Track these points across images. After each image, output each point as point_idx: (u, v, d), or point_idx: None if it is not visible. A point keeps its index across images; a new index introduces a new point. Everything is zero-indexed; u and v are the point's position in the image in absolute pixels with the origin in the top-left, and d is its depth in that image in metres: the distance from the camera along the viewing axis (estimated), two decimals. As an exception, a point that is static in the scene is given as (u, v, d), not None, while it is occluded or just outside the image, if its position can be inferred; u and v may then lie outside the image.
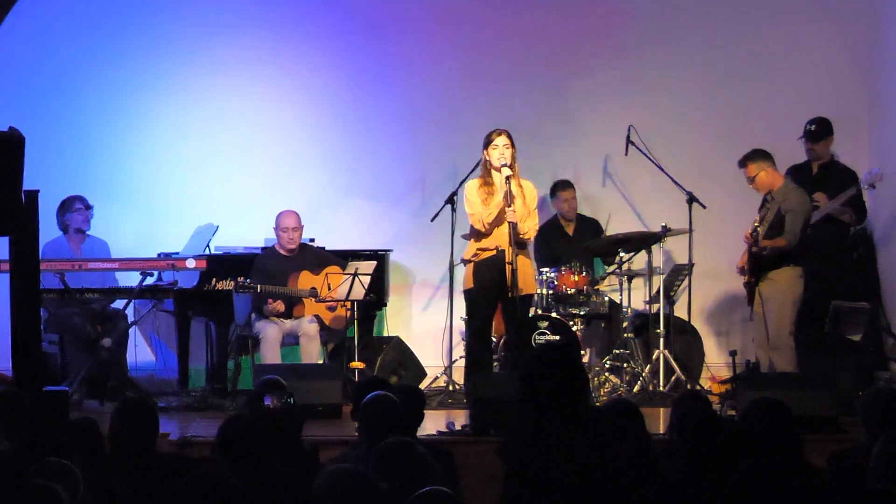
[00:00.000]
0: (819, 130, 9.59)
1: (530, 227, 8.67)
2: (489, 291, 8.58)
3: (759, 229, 8.69)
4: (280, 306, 9.15)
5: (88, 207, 9.53)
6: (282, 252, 9.41)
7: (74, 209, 9.47)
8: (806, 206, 8.93)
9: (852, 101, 10.39)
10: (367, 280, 9.09)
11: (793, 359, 8.81)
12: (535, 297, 9.38)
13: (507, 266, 8.44)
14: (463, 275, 8.84)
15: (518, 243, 8.52)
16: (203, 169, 10.36)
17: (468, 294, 8.78)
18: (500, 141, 8.55)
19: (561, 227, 10.12)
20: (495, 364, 9.10)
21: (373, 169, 10.51)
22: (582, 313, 9.54)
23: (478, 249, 8.64)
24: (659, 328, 9.41)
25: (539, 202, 10.15)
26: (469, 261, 8.71)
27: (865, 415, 5.21)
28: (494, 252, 8.56)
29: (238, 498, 4.22)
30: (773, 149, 9.14)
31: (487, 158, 8.61)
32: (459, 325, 9.63)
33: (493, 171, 8.60)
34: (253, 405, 5.99)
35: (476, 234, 8.66)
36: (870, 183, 9.49)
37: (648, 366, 9.39)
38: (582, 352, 9.36)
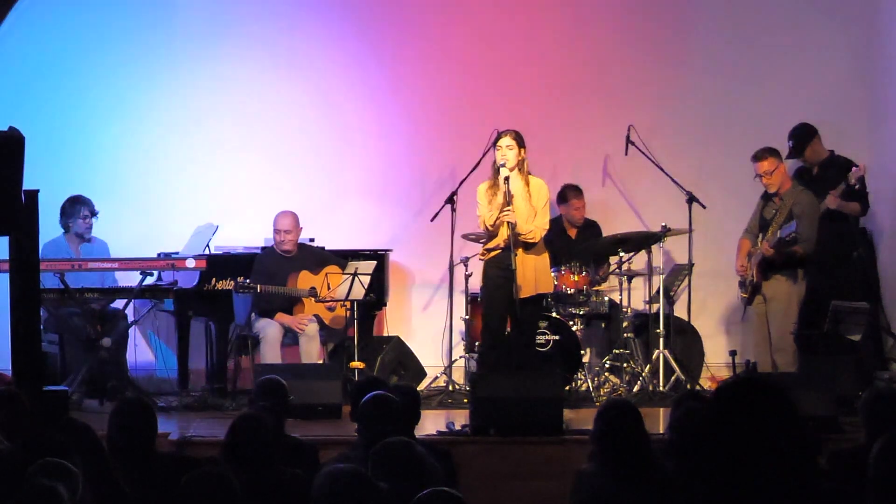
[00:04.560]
0: (798, 144, 9.58)
1: (537, 227, 8.56)
2: (499, 289, 8.57)
3: (772, 233, 8.73)
4: (303, 325, 9.19)
5: (93, 214, 9.51)
6: (280, 252, 9.42)
7: (81, 216, 9.45)
8: (818, 209, 8.97)
9: (852, 101, 10.39)
10: (366, 280, 9.10)
11: (795, 359, 8.83)
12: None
13: (524, 263, 8.45)
14: (467, 276, 8.87)
15: (521, 244, 8.49)
16: (203, 169, 10.36)
17: (481, 292, 8.79)
18: (504, 142, 8.56)
19: (564, 230, 10.11)
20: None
21: (373, 169, 10.51)
22: (582, 313, 9.54)
23: (485, 249, 8.66)
24: (659, 328, 9.41)
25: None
26: (481, 259, 8.73)
27: (865, 415, 5.21)
28: (499, 251, 8.57)
29: (238, 497, 4.21)
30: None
31: (494, 158, 8.63)
32: (459, 325, 9.63)
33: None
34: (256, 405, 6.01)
35: (487, 235, 8.68)
36: (854, 178, 9.49)
37: (648, 366, 9.39)
38: (582, 352, 9.36)
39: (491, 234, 8.60)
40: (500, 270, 8.52)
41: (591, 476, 4.90)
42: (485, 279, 8.65)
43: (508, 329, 8.73)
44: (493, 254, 8.59)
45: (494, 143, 8.59)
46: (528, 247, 8.55)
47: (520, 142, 8.54)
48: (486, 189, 8.64)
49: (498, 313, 8.65)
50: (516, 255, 8.42)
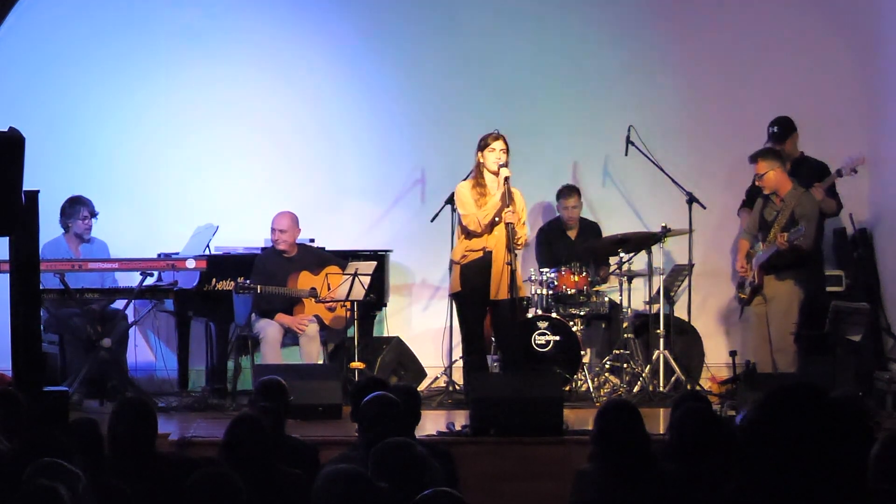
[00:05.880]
0: (782, 131, 9.59)
1: (521, 236, 8.68)
2: (477, 293, 8.57)
3: (774, 235, 8.73)
4: (304, 326, 9.19)
5: (93, 215, 9.52)
6: (279, 252, 9.41)
7: (80, 216, 9.45)
8: (818, 210, 8.98)
9: (852, 101, 10.38)
10: (367, 280, 9.09)
11: (795, 360, 8.83)
12: (535, 298, 9.39)
13: (505, 267, 8.44)
14: (450, 278, 8.86)
15: (510, 248, 8.50)
16: (203, 169, 10.36)
17: (456, 297, 8.77)
18: (498, 145, 8.58)
19: (563, 231, 10.10)
20: (494, 365, 9.09)
21: (373, 169, 10.51)
22: (582, 313, 9.53)
23: (466, 251, 8.64)
24: (659, 328, 9.41)
25: (545, 204, 10.18)
26: (457, 263, 8.71)
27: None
28: (482, 253, 8.56)
29: (243, 498, 4.20)
30: (774, 149, 9.17)
31: (482, 161, 8.64)
32: (459, 326, 9.63)
33: (486, 174, 8.63)
34: (256, 405, 6.01)
35: (467, 234, 8.66)
36: (851, 168, 9.47)
37: (648, 366, 9.38)
38: (582, 352, 9.36)
39: (472, 235, 8.59)
40: (479, 275, 8.52)
41: (591, 476, 4.91)
42: (462, 284, 8.64)
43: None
44: (473, 256, 8.59)
45: (484, 145, 8.60)
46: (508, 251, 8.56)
47: (508, 147, 8.59)
48: (470, 188, 8.65)
49: (477, 317, 8.65)
50: (517, 256, 8.43)
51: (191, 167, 10.36)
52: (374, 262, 9.30)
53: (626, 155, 10.07)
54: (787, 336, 8.84)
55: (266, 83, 10.42)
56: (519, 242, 8.64)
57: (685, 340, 9.78)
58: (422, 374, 9.70)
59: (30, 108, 9.90)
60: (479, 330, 8.73)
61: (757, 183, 9.02)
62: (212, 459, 5.09)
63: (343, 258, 9.50)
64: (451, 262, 8.89)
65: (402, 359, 9.74)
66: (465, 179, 8.95)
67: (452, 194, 9.25)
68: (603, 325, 9.92)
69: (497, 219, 8.55)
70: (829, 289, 9.59)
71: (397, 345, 9.80)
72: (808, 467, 3.19)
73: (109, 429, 5.15)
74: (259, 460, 4.93)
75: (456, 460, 5.86)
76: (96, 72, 10.30)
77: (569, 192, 10.06)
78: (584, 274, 9.52)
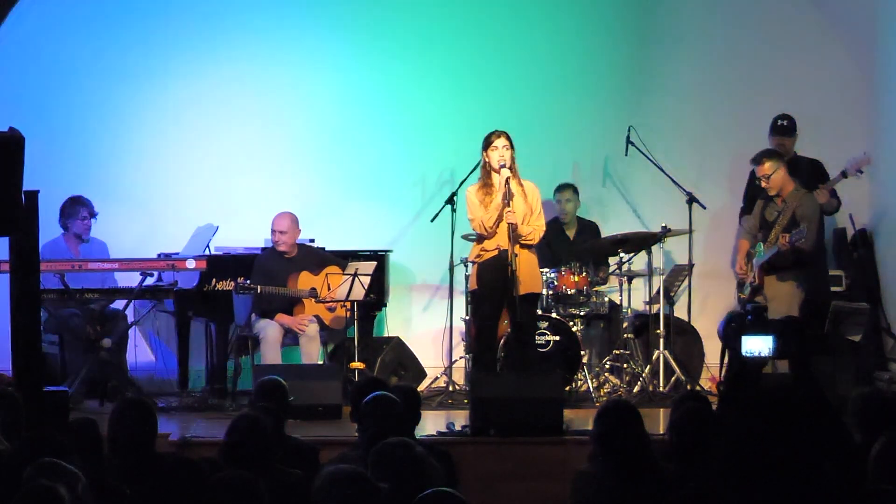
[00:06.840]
0: (791, 125, 9.62)
1: (536, 227, 8.56)
2: (494, 291, 8.54)
3: (775, 235, 8.73)
4: (304, 326, 9.19)
5: (93, 215, 9.51)
6: (279, 252, 9.41)
7: (79, 217, 9.45)
8: (820, 211, 8.98)
9: (852, 101, 10.38)
10: (366, 280, 9.09)
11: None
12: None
13: (507, 267, 8.43)
14: (467, 276, 8.86)
15: (521, 244, 8.48)
16: (203, 169, 10.36)
17: (473, 295, 8.78)
18: (500, 142, 8.53)
19: (562, 230, 10.10)
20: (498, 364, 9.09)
21: (373, 169, 10.51)
22: (582, 313, 9.53)
23: (481, 250, 8.62)
24: (659, 329, 9.41)
25: (545, 205, 10.17)
26: (473, 262, 8.71)
27: (857, 418, 5.18)
28: (496, 252, 8.53)
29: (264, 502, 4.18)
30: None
31: (487, 160, 8.59)
32: (459, 326, 9.63)
33: (492, 173, 8.58)
34: (256, 405, 6.01)
35: (478, 238, 8.65)
36: (856, 168, 9.46)
37: (648, 366, 9.38)
38: (582, 352, 9.36)
39: (484, 236, 8.58)
40: (494, 273, 8.50)
41: (590, 476, 4.91)
42: (479, 281, 8.64)
43: (507, 330, 8.75)
44: (487, 255, 8.57)
45: (487, 144, 8.57)
46: (521, 247, 8.54)
47: (511, 142, 8.54)
48: (476, 190, 8.62)
49: (492, 315, 8.64)
50: (517, 255, 8.41)
51: (191, 168, 10.36)
52: (374, 262, 9.30)
53: (626, 155, 10.08)
54: (786, 336, 8.85)
55: (266, 83, 10.42)
56: (529, 238, 8.57)
57: (685, 340, 9.78)
58: (422, 374, 9.70)
59: (30, 108, 9.90)
60: (493, 327, 8.70)
61: (763, 184, 9.00)
62: (212, 460, 5.09)
63: (343, 258, 9.50)
64: (464, 262, 8.96)
65: (402, 359, 9.74)
66: (466, 179, 8.95)
67: (452, 194, 9.26)
68: (603, 325, 9.92)
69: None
70: (829, 289, 9.60)
71: (397, 345, 9.80)
72: (796, 465, 3.19)
73: (109, 429, 5.15)
74: (259, 460, 4.93)
75: (456, 460, 5.87)
76: (97, 72, 10.30)
77: (564, 186, 10.08)
78: (584, 274, 9.52)
